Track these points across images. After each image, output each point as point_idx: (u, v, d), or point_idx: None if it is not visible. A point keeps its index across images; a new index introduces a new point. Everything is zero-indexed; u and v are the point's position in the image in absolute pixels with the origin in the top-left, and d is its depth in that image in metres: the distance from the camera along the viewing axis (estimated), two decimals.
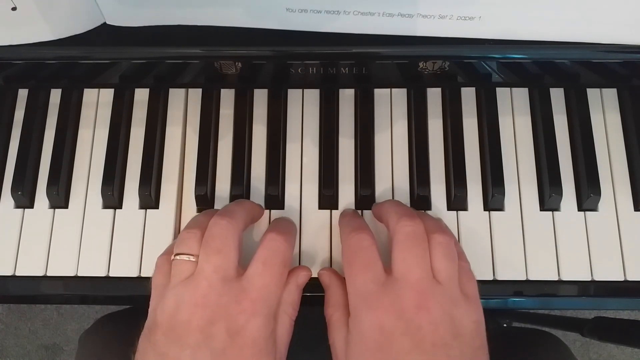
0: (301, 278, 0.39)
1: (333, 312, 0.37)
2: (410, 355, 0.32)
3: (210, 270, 0.35)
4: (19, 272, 0.43)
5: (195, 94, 0.47)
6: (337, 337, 0.36)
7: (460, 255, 0.38)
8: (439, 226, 0.38)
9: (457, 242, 0.41)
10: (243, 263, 0.37)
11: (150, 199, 0.44)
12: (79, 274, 0.43)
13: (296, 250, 0.43)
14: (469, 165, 0.44)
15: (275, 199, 0.44)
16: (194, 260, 0.36)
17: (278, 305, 0.37)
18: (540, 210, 0.44)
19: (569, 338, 1.11)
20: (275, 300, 0.36)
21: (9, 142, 0.47)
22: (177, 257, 0.37)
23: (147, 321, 0.36)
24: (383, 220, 0.40)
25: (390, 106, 0.47)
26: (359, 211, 0.44)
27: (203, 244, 0.36)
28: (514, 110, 0.46)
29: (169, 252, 0.39)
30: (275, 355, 0.36)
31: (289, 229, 0.39)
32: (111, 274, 0.43)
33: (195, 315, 0.34)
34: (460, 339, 0.33)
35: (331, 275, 0.39)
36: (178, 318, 0.34)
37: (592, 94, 0.47)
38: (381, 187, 0.44)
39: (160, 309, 0.35)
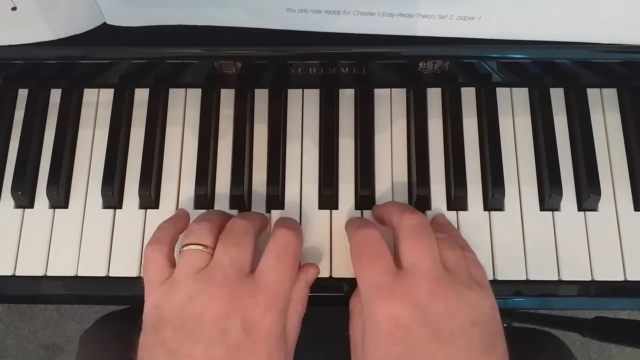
0: (310, 275, 0.38)
1: (357, 302, 0.37)
2: (429, 347, 0.32)
3: (228, 262, 0.34)
4: (19, 272, 0.43)
5: (195, 94, 0.47)
6: (357, 327, 0.36)
7: (465, 247, 0.38)
8: (436, 227, 0.38)
9: (460, 235, 0.41)
10: (254, 266, 0.37)
11: (150, 199, 0.44)
12: (79, 274, 0.43)
13: None
14: (469, 165, 0.44)
15: (275, 199, 0.44)
16: (207, 251, 0.36)
17: (289, 300, 0.36)
18: (540, 210, 0.44)
19: (569, 338, 1.11)
20: (288, 294, 0.36)
21: (9, 142, 0.47)
22: (188, 247, 0.36)
23: (146, 318, 0.35)
24: (385, 220, 0.40)
25: (390, 106, 0.47)
26: (359, 211, 0.44)
27: (222, 236, 0.36)
28: (514, 110, 0.46)
29: (157, 241, 0.38)
30: (286, 351, 0.35)
31: (297, 226, 0.39)
32: (111, 274, 0.43)
33: (210, 308, 0.33)
34: (478, 326, 0.32)
35: None
36: (190, 311, 0.33)
37: (592, 94, 0.47)
38: (381, 187, 0.44)
39: (167, 303, 0.34)
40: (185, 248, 0.36)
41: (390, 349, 0.32)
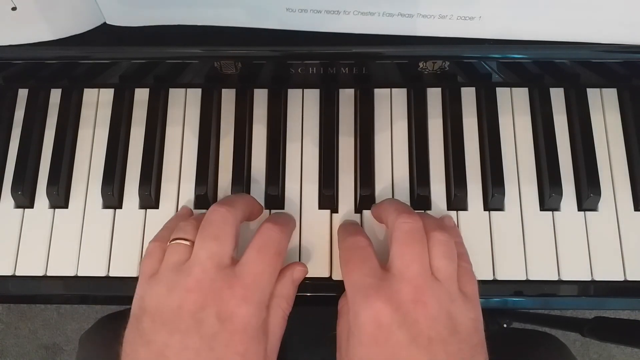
0: (297, 273, 0.39)
1: (345, 303, 0.37)
2: (407, 350, 0.32)
3: (205, 256, 0.35)
4: (19, 272, 0.43)
5: (196, 94, 0.47)
6: (343, 328, 0.36)
7: (462, 256, 0.38)
8: (440, 224, 0.38)
9: (462, 243, 0.41)
10: (238, 256, 0.37)
11: (150, 199, 0.44)
12: (79, 274, 0.43)
13: (296, 249, 0.43)
14: (469, 165, 0.44)
15: (275, 198, 0.44)
16: (189, 245, 0.36)
17: (271, 296, 0.37)
18: (540, 210, 0.44)
19: (569, 338, 1.11)
20: (267, 288, 0.36)
21: (9, 142, 0.47)
22: (173, 242, 0.37)
23: (132, 309, 0.36)
24: (383, 218, 0.40)
25: (390, 106, 0.47)
26: (359, 213, 0.44)
27: (200, 229, 0.36)
28: (514, 110, 0.46)
29: (160, 238, 0.39)
30: (266, 346, 0.35)
31: (286, 221, 0.40)
32: (111, 274, 0.43)
33: (187, 300, 0.33)
34: (457, 336, 0.33)
35: None
36: (168, 303, 0.34)
37: (592, 94, 0.47)
38: (381, 187, 0.44)
39: (149, 295, 0.35)
40: (171, 243, 0.37)
41: (371, 349, 0.33)
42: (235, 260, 0.36)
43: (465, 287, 0.36)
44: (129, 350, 0.35)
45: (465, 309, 0.35)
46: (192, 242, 0.36)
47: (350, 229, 0.40)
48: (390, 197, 0.44)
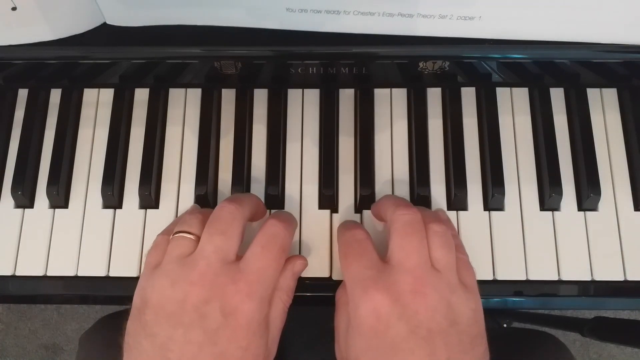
0: (297, 266, 0.39)
1: (342, 294, 0.37)
2: (407, 342, 0.32)
3: (211, 250, 0.35)
4: (19, 272, 0.43)
5: (196, 94, 0.47)
6: (341, 319, 0.37)
7: (459, 248, 0.38)
8: (436, 216, 0.38)
9: (457, 235, 0.41)
10: (241, 254, 0.37)
11: (150, 199, 0.44)
12: (79, 274, 0.43)
13: (296, 249, 0.43)
14: (469, 165, 0.44)
15: (275, 198, 0.44)
16: (193, 239, 0.36)
17: (273, 290, 0.37)
18: (540, 210, 0.44)
19: (569, 338, 1.11)
20: (271, 284, 0.36)
21: (9, 142, 0.47)
22: (176, 234, 0.37)
23: (134, 301, 0.36)
24: (381, 214, 0.40)
25: (390, 106, 0.47)
26: (359, 212, 0.44)
27: (207, 224, 0.36)
28: (514, 110, 0.46)
29: (168, 232, 0.39)
30: (268, 339, 0.36)
31: (289, 219, 0.40)
32: (111, 274, 0.43)
33: (191, 294, 0.33)
34: (457, 327, 0.33)
35: None
36: (171, 296, 0.34)
37: (592, 94, 0.47)
38: (381, 187, 0.44)
39: (150, 286, 0.35)
40: (174, 235, 0.37)
41: (371, 341, 0.33)
42: (239, 257, 0.36)
43: (465, 278, 0.36)
44: (131, 342, 0.35)
45: (465, 299, 0.34)
46: (196, 236, 0.36)
47: (349, 224, 0.40)
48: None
